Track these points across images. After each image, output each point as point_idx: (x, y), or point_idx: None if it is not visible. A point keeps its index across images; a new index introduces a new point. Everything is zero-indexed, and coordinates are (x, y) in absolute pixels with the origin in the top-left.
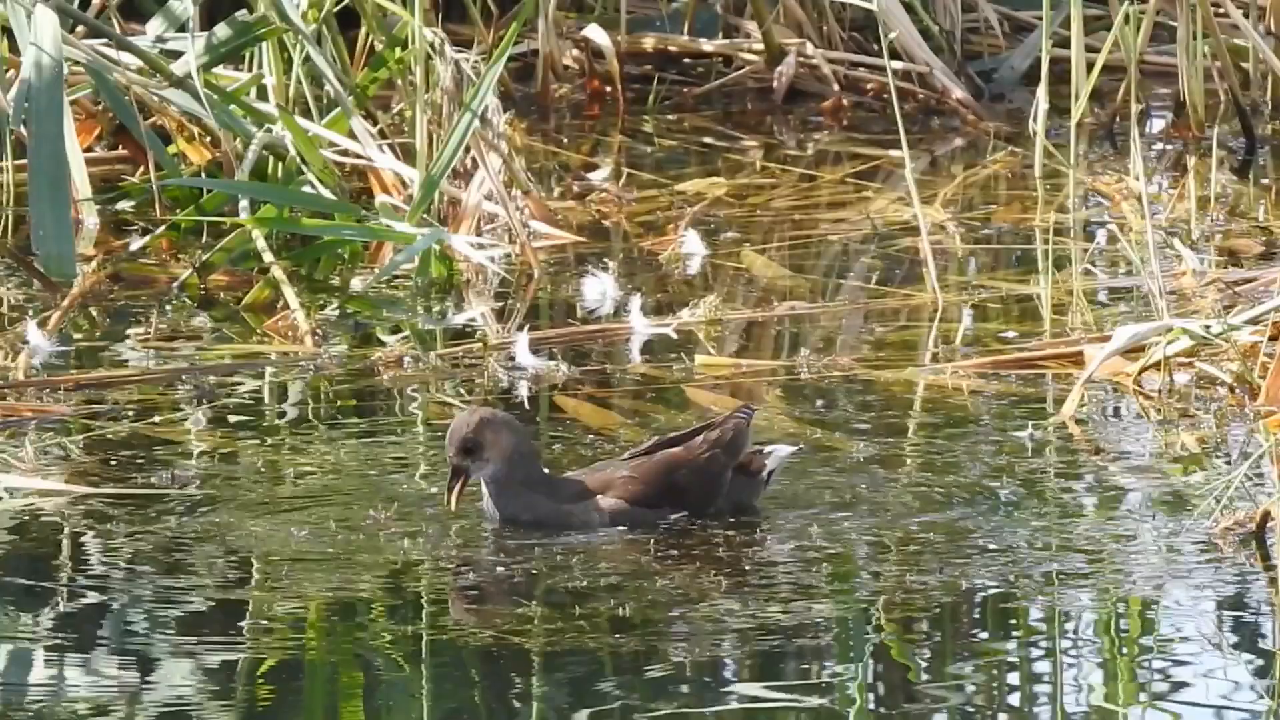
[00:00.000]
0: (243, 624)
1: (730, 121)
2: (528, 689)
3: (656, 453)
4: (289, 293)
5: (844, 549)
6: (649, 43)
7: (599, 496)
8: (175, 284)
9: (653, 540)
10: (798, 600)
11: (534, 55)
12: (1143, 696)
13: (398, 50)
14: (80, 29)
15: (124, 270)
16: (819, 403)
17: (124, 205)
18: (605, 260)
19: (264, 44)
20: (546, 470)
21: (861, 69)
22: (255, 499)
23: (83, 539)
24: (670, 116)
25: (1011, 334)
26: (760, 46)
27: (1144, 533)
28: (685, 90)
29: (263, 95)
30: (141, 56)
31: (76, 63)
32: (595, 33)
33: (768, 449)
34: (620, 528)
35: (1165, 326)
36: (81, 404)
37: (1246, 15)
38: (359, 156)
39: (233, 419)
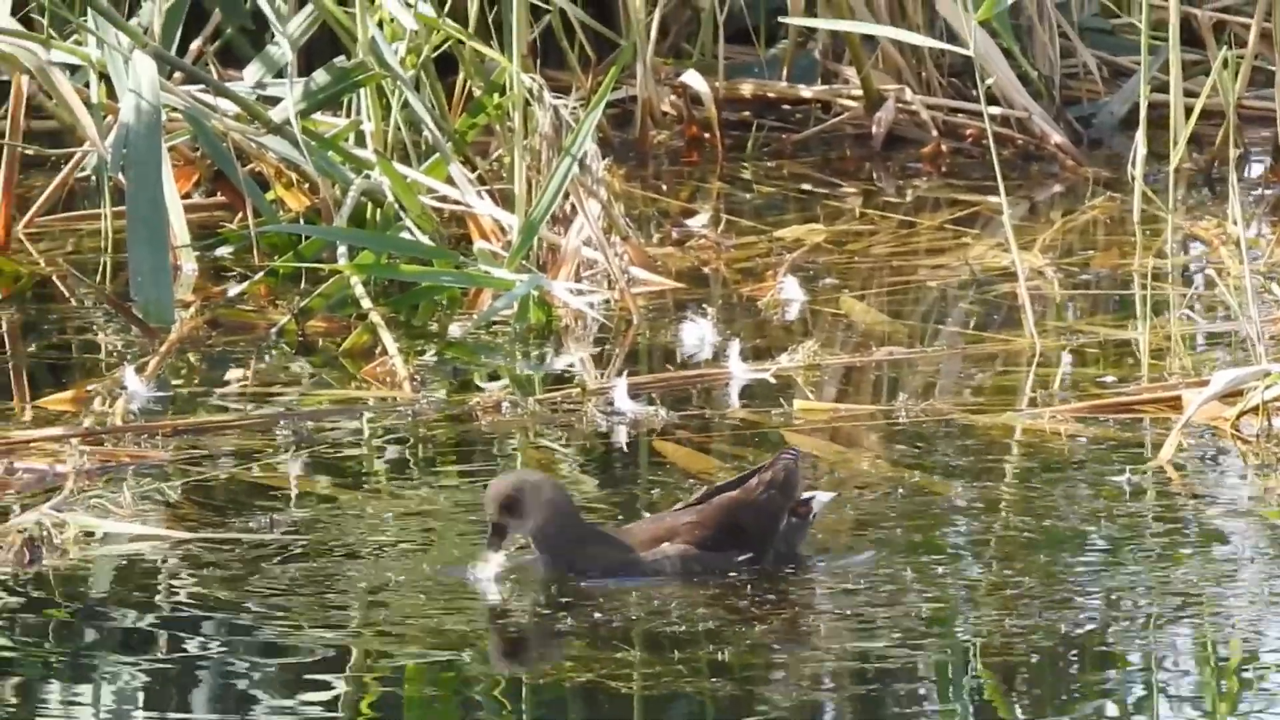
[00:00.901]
0: (342, 668)
1: (829, 168)
2: None
3: (711, 499)
4: (387, 339)
5: (941, 593)
6: (747, 89)
7: (665, 544)
8: (273, 330)
9: (749, 585)
10: (896, 645)
11: (632, 101)
12: None
13: (496, 96)
14: (178, 75)
15: (222, 316)
16: (917, 447)
17: (222, 251)
18: (704, 306)
19: (362, 90)
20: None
21: (960, 114)
22: (353, 544)
23: (180, 584)
24: (769, 163)
25: (1109, 379)
26: (859, 92)
27: (1242, 576)
28: (784, 136)
29: (361, 141)
30: (239, 103)
31: (174, 109)
32: (693, 79)
33: (808, 494)
34: (692, 573)
35: (1263, 371)
36: (179, 449)
37: None
38: (457, 202)
39: (331, 465)
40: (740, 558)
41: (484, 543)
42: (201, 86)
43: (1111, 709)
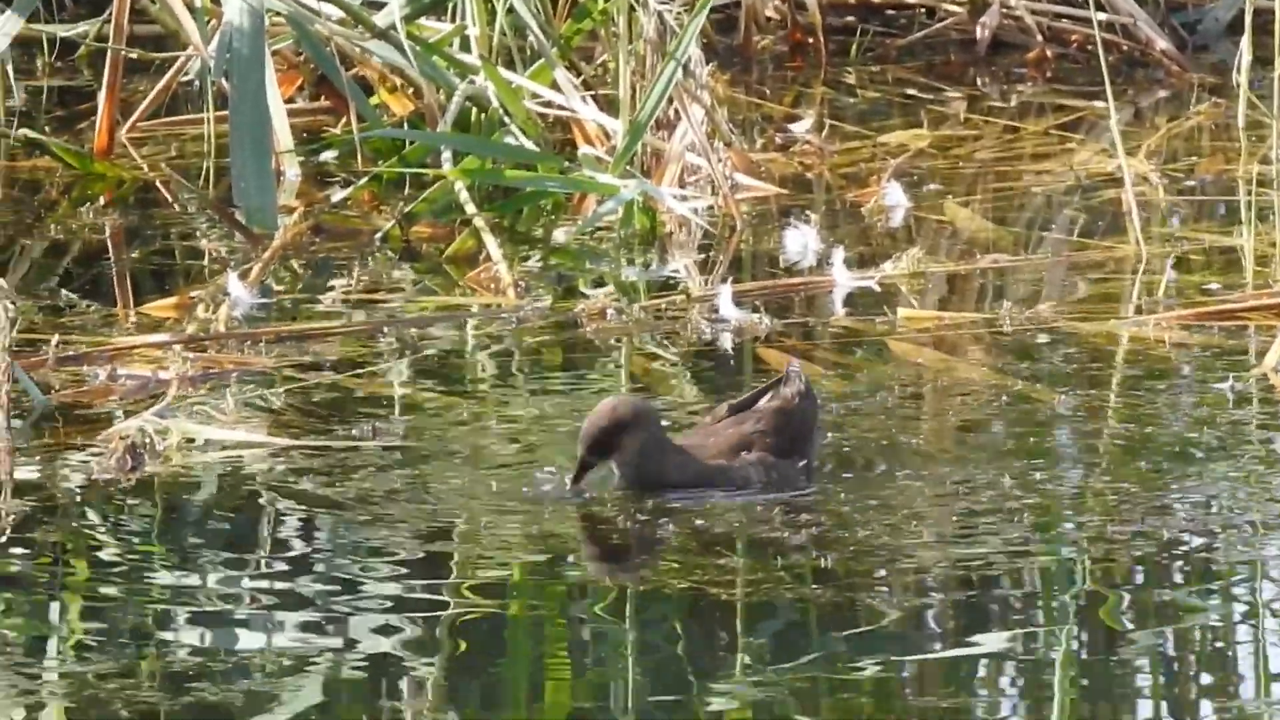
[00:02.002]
0: (445, 576)
1: (933, 72)
2: (731, 640)
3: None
4: (491, 244)
5: (1043, 500)
6: None
7: (743, 453)
8: (377, 236)
9: (850, 493)
10: (998, 552)
11: (736, 7)
12: None
13: (601, 1)
14: None
15: (326, 222)
16: (1021, 355)
17: (326, 157)
18: (807, 212)
19: None
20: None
21: (1065, 20)
22: (456, 452)
23: (282, 491)
24: (873, 67)
25: (1214, 285)
26: None
27: None
28: (888, 41)
29: (465, 46)
30: (344, 8)
31: (278, 14)
32: None
33: None
34: (771, 480)
35: None
36: (282, 356)
37: None
38: (562, 108)
39: (434, 372)
40: (801, 463)
41: (568, 478)
42: None
43: (1214, 616)
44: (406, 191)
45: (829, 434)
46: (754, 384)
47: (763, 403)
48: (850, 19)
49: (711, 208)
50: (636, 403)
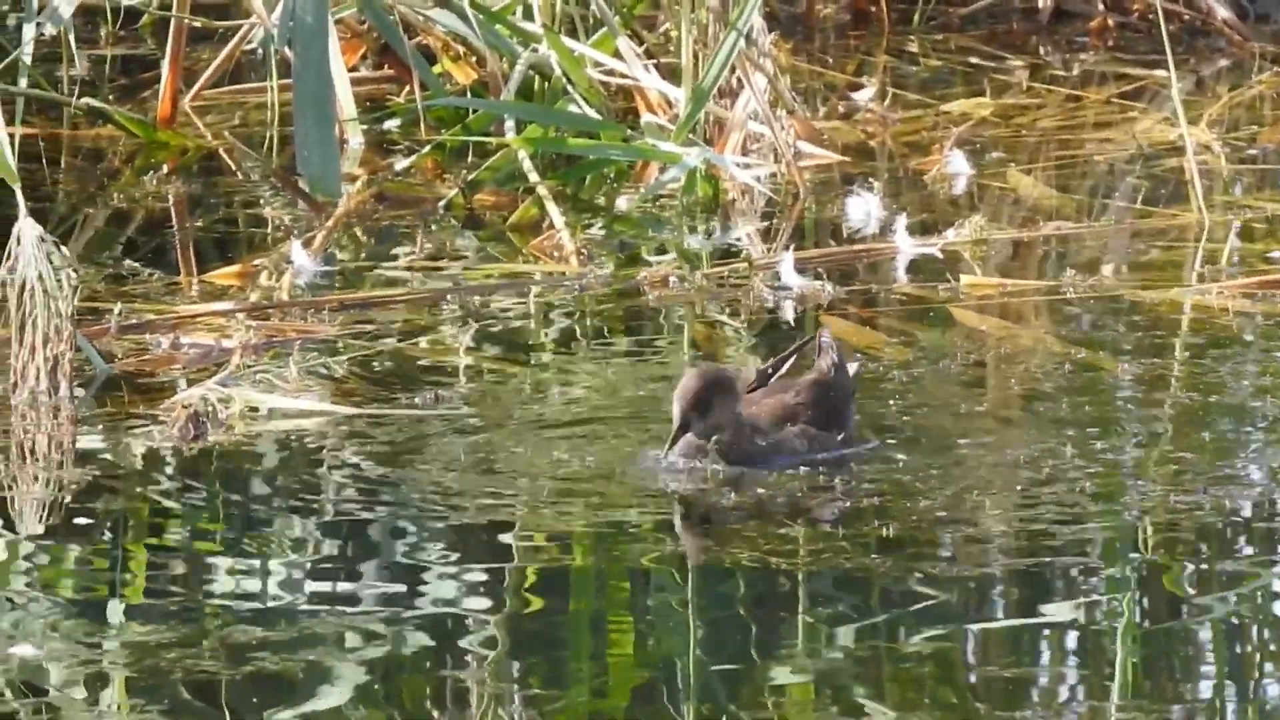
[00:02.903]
0: (506, 548)
1: (996, 41)
2: (793, 611)
3: (794, 380)
4: (554, 212)
5: (1106, 468)
6: None
7: (789, 425)
8: (441, 204)
9: (911, 462)
10: (1060, 520)
11: None
12: None
13: None
14: None
15: (389, 190)
16: (1084, 322)
17: (389, 125)
18: (870, 180)
19: None
20: None
21: None
22: (520, 419)
23: (345, 459)
24: (935, 36)
25: (1277, 254)
26: None
27: None
28: (950, 10)
29: (528, 15)
30: None
31: None
32: None
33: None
34: (814, 452)
35: None
36: (345, 324)
37: None
38: (624, 76)
39: (497, 339)
40: (840, 436)
41: (666, 439)
42: None
43: (1277, 585)
44: (469, 160)
45: (892, 401)
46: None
47: (791, 374)
48: None
49: (774, 175)
50: (724, 368)
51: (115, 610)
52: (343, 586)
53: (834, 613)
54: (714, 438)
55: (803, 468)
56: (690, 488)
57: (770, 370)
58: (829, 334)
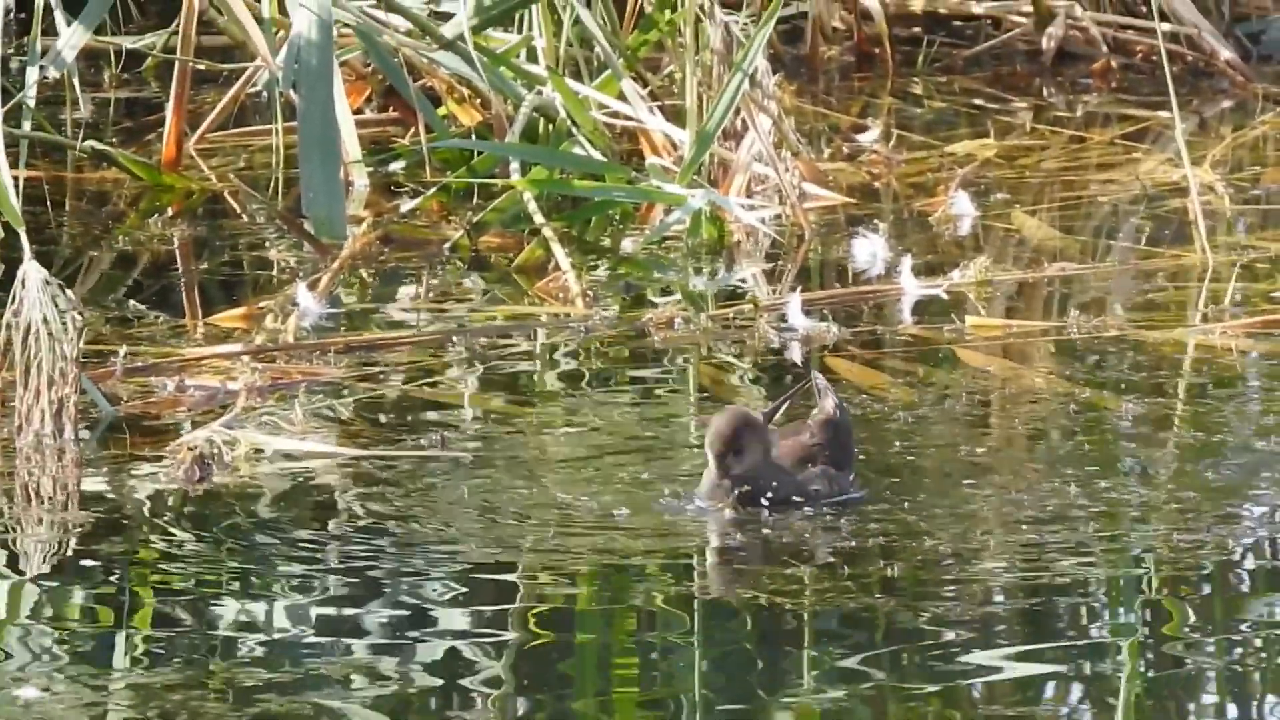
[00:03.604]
0: (512, 588)
1: (1000, 83)
2: (799, 650)
3: (807, 421)
4: (560, 254)
5: (1110, 509)
6: (917, 4)
7: (809, 466)
8: (446, 246)
9: (916, 502)
10: (1065, 561)
11: (803, 17)
12: None
13: (667, 12)
14: None
15: (394, 232)
16: (1088, 362)
17: (394, 167)
18: (875, 221)
19: (534, 6)
20: None
21: (1130, 31)
22: (525, 461)
23: (351, 502)
24: (939, 78)
25: None
26: (1029, 8)
27: None
28: (954, 52)
29: (533, 57)
30: (411, 19)
31: (346, 24)
32: None
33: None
34: (833, 494)
35: None
36: (351, 366)
37: None
38: (629, 118)
39: (503, 381)
40: (850, 478)
41: (713, 482)
42: (373, 2)
43: None
44: (475, 201)
45: (897, 442)
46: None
47: (788, 418)
48: (917, 29)
49: (779, 217)
50: (749, 411)
51: (121, 652)
52: (349, 628)
53: (839, 652)
54: (737, 491)
55: (810, 508)
56: (717, 529)
57: (768, 415)
58: (821, 378)
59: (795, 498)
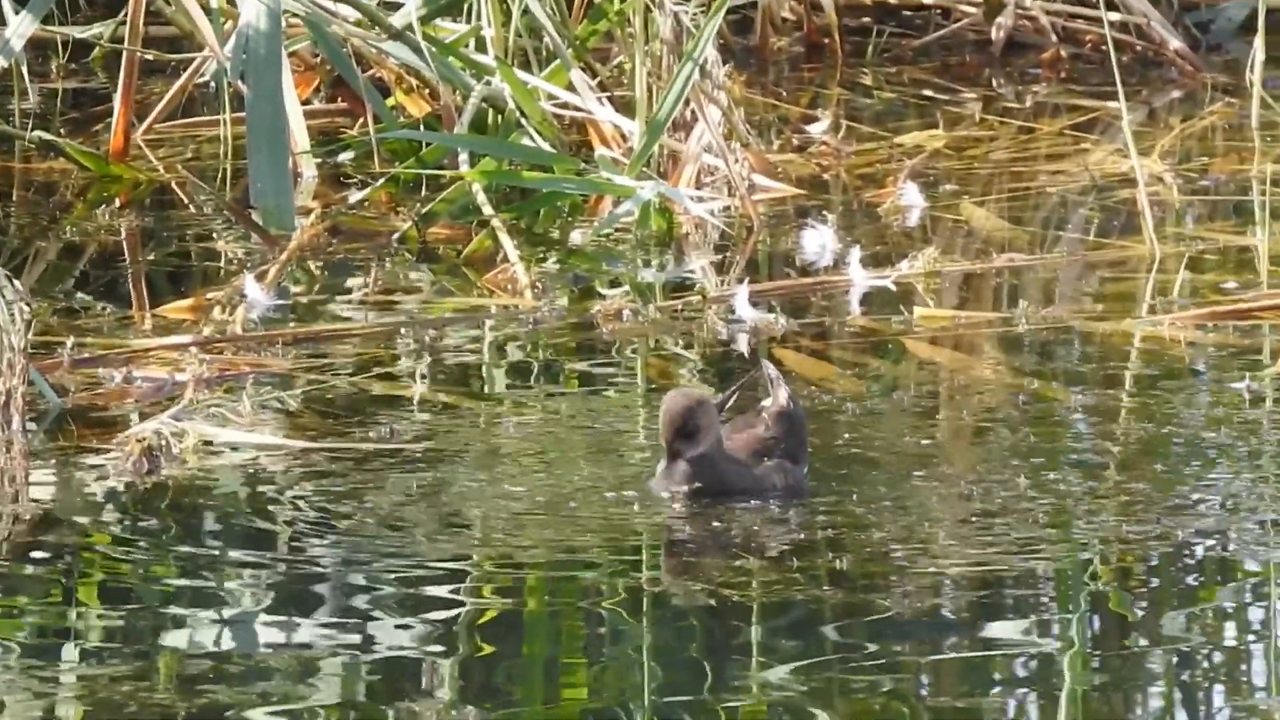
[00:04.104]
0: (460, 578)
1: (949, 74)
2: (747, 641)
3: (760, 413)
4: (509, 245)
5: (1059, 501)
6: None
7: (765, 460)
8: (395, 237)
9: (865, 494)
10: (1014, 553)
11: (753, 8)
12: None
13: (616, 2)
14: None
15: (343, 223)
16: (1037, 354)
17: (343, 158)
18: (824, 213)
19: None
20: None
21: (1079, 21)
22: (474, 454)
23: (299, 494)
24: (889, 68)
25: (1229, 285)
26: None
27: None
28: (904, 42)
29: (481, 47)
30: (360, 9)
31: (294, 15)
32: None
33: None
34: (789, 486)
35: None
36: (299, 358)
37: None
38: (578, 109)
39: (452, 373)
40: (804, 470)
41: (661, 466)
42: None
43: (1229, 617)
44: (423, 193)
45: (845, 434)
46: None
47: (738, 409)
48: (866, 20)
49: (728, 208)
50: (702, 393)
51: (69, 644)
52: (297, 619)
53: (787, 644)
54: (691, 485)
55: (758, 500)
56: (639, 518)
57: (718, 406)
58: (772, 368)
59: (749, 490)
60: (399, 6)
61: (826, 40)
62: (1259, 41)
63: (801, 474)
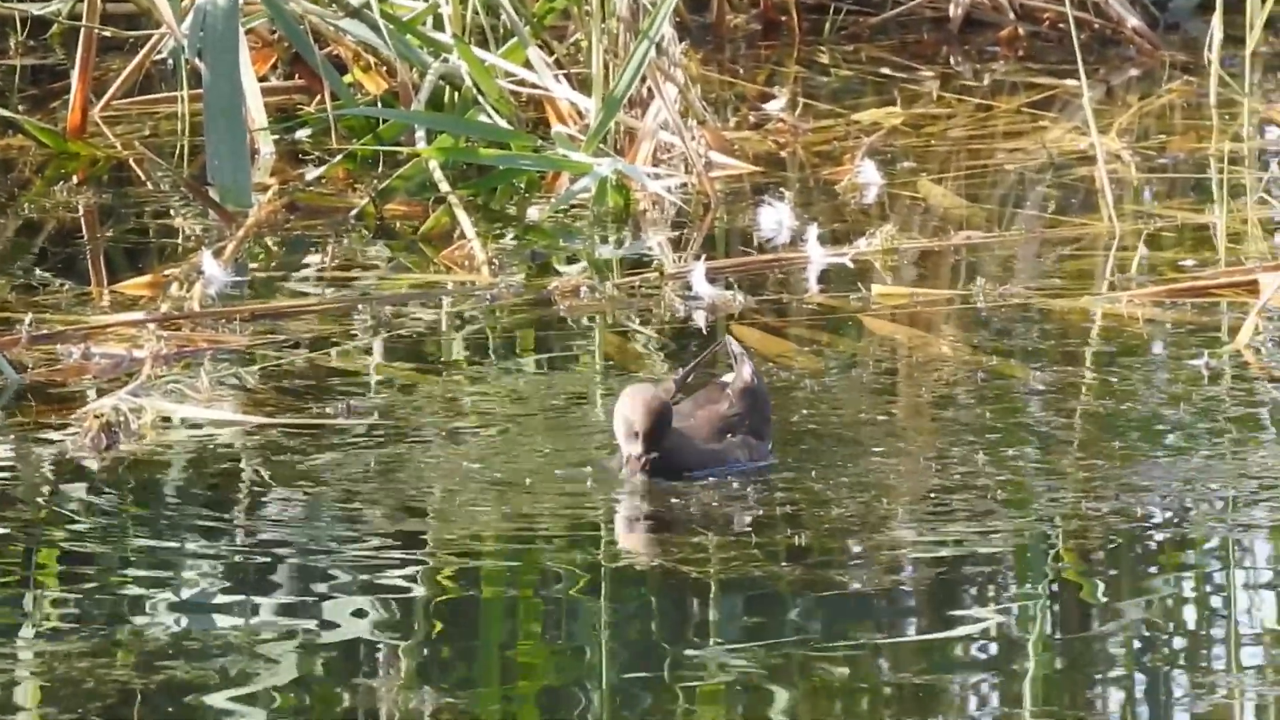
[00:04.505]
0: (418, 555)
1: (906, 51)
2: (705, 617)
3: (722, 388)
4: (465, 222)
5: (1017, 477)
6: None
7: (728, 435)
8: (352, 214)
9: (823, 471)
10: (972, 529)
11: None
12: None
13: None
14: None
15: (300, 200)
16: (995, 331)
17: (300, 135)
18: (782, 190)
19: None
20: None
21: None
22: (431, 429)
23: (257, 470)
24: (846, 46)
25: (1187, 262)
26: None
27: None
28: (861, 20)
29: (439, 25)
30: None
31: None
32: None
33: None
34: (752, 461)
35: None
36: (257, 334)
37: None
38: (535, 86)
39: (409, 349)
40: (768, 446)
41: (627, 458)
42: None
43: (1187, 592)
44: (381, 169)
45: (803, 410)
46: (727, 362)
47: (700, 384)
48: None
49: (685, 185)
50: (657, 392)
51: (27, 619)
52: (255, 595)
53: (745, 621)
54: (646, 457)
55: (715, 477)
56: (597, 495)
57: (679, 381)
58: (735, 343)
59: (709, 468)
60: None
61: (784, 17)
62: (1217, 20)
63: (766, 449)
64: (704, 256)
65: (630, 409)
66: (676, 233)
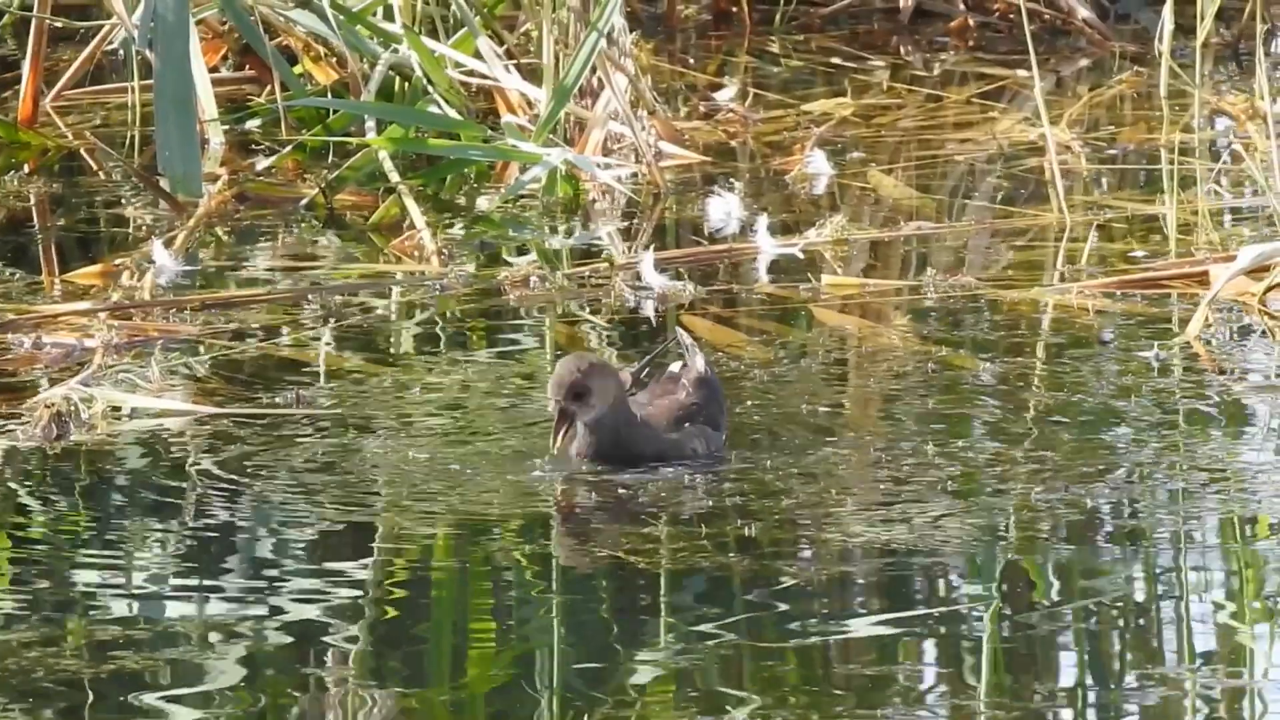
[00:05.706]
0: (369, 546)
1: (857, 42)
2: (655, 609)
3: (675, 379)
4: (415, 212)
5: (967, 468)
6: None
7: (686, 424)
8: (302, 204)
9: (773, 461)
10: (922, 519)
11: None
12: (1269, 614)
13: None
14: None
15: (250, 190)
16: (945, 322)
17: (250, 125)
18: (731, 180)
19: None
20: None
21: None
22: (381, 420)
23: (207, 459)
24: (796, 36)
25: (1137, 254)
26: None
27: (1269, 451)
28: (812, 10)
29: (389, 15)
30: None
31: None
32: None
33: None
34: (709, 451)
35: None
36: (207, 324)
37: None
38: (485, 76)
39: (359, 339)
40: (724, 436)
41: (552, 432)
42: None
43: (1138, 584)
44: (330, 160)
45: (753, 400)
46: (677, 353)
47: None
48: None
49: (635, 175)
50: (599, 358)
51: None
52: (205, 585)
53: (695, 611)
54: (590, 451)
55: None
56: (547, 486)
57: (635, 375)
58: (687, 335)
59: (663, 455)
60: None
61: (734, 8)
62: (1167, 10)
63: (721, 440)
64: (654, 246)
65: (556, 369)
66: (626, 223)
